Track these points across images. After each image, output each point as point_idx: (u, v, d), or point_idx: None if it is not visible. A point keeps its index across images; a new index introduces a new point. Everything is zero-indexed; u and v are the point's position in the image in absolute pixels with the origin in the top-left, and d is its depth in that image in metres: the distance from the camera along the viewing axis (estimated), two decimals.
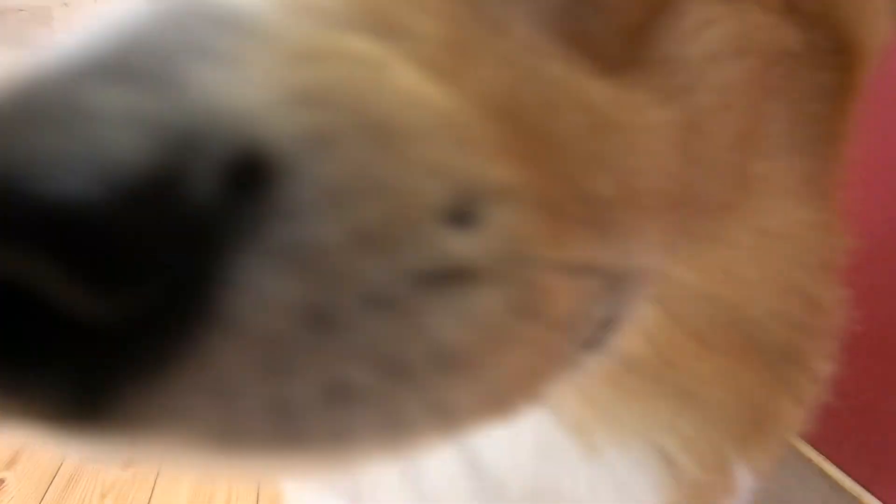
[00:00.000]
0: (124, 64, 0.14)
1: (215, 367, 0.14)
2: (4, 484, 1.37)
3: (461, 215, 0.17)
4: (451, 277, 0.16)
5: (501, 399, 0.19)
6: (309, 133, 0.15)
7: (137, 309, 0.13)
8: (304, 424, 0.16)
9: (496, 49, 0.21)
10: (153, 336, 0.14)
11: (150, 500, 1.40)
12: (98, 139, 0.13)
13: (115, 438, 0.15)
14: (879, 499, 0.92)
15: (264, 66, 0.15)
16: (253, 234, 0.14)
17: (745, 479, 0.36)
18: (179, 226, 0.13)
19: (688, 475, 0.34)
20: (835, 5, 0.32)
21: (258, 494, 1.33)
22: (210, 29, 0.15)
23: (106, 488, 1.41)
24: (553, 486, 0.35)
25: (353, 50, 0.17)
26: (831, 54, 0.32)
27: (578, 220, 0.21)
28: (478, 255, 0.17)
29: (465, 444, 0.35)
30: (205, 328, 0.14)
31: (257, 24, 0.16)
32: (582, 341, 0.24)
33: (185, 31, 0.15)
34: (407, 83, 0.17)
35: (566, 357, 0.23)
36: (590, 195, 0.22)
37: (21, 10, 1.91)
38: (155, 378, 0.14)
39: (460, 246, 0.17)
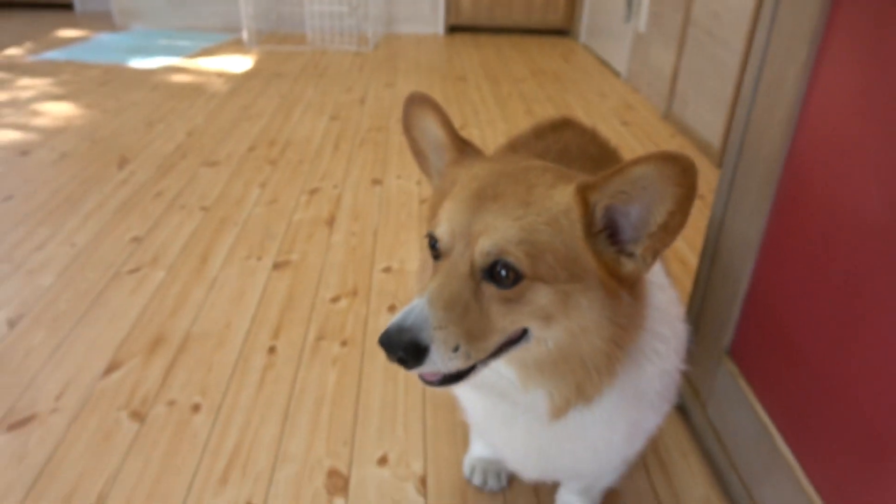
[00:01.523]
0: (403, 326, 0.78)
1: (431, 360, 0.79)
2: (275, 350, 1.81)
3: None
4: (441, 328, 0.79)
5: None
6: (435, 330, 0.79)
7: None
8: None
9: (474, 305, 0.82)
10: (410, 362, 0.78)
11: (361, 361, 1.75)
12: (401, 340, 0.78)
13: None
14: None
15: (429, 324, 0.79)
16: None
17: (578, 406, 0.90)
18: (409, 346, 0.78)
19: (557, 403, 0.90)
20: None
21: None
22: (420, 318, 0.79)
23: (339, 356, 1.80)
24: (504, 391, 0.93)
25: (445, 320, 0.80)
26: (599, 289, 0.82)
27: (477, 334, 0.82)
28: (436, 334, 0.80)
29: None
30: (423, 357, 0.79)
31: (428, 318, 0.79)
32: (495, 351, 0.85)
33: (414, 321, 0.79)
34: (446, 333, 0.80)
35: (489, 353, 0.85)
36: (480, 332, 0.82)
37: None
38: (416, 362, 0.79)
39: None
